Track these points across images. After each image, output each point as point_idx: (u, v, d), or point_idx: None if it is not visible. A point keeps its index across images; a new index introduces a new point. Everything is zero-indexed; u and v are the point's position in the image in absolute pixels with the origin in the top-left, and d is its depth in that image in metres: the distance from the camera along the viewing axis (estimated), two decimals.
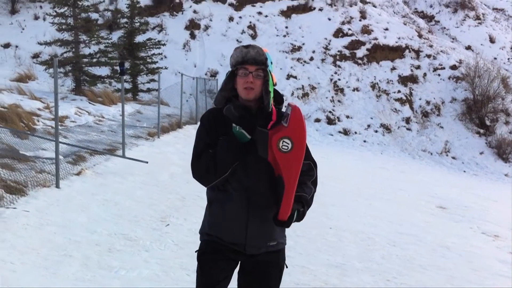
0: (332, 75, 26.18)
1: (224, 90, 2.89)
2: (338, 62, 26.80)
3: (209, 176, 2.76)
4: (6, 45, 25.74)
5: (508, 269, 7.27)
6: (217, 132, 2.80)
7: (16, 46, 25.75)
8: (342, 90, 25.66)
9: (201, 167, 2.77)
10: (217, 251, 2.89)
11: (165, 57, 24.93)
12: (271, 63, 2.86)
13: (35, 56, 24.80)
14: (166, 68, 23.31)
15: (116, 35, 24.46)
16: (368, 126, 24.15)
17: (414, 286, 5.84)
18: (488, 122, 24.65)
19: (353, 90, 25.72)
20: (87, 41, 19.15)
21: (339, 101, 25.19)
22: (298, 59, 26.60)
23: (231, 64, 2.86)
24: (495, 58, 29.23)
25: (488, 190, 16.90)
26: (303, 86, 25.36)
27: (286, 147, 2.59)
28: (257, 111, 2.83)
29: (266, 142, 2.66)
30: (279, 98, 2.93)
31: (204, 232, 2.95)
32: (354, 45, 27.41)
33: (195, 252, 2.99)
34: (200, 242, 2.99)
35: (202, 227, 2.98)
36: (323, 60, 26.88)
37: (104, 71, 20.40)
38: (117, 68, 19.00)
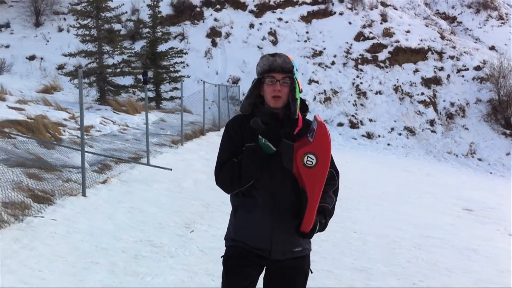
0: (354, 79, 26.09)
1: (250, 98, 2.91)
2: (360, 66, 26.71)
3: (232, 186, 2.81)
4: (32, 57, 26.25)
5: None
6: (242, 140, 2.83)
7: (41, 58, 26.23)
8: (364, 94, 25.55)
9: (225, 176, 2.81)
10: (242, 257, 2.90)
11: (187, 65, 25.16)
12: (297, 70, 2.87)
13: (60, 67, 25.24)
14: (188, 76, 23.51)
15: (138, 45, 24.80)
16: (392, 129, 23.98)
17: None
18: None
19: (376, 93, 25.59)
20: (110, 52, 19.42)
21: (361, 104, 25.07)
22: (320, 64, 26.58)
23: (258, 72, 2.88)
24: None
25: None
26: (325, 90, 25.32)
27: (311, 163, 2.63)
28: (284, 118, 2.85)
29: (292, 155, 2.69)
30: (303, 105, 2.95)
31: (230, 238, 2.98)
32: (376, 48, 27.30)
33: (221, 257, 3.03)
34: (225, 248, 3.02)
35: (228, 233, 3.02)
36: (344, 64, 26.81)
37: (127, 80, 20.67)
38: (141, 77, 19.22)
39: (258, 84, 2.89)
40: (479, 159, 22.63)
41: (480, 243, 8.39)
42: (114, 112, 16.74)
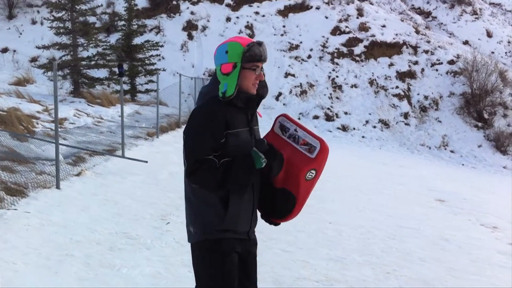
0: (330, 73, 26.22)
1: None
2: (336, 60, 26.85)
3: (217, 188, 2.78)
4: (4, 50, 25.80)
5: (507, 259, 7.32)
6: (222, 133, 2.78)
7: (14, 51, 25.81)
8: (340, 87, 25.71)
9: (208, 178, 2.74)
10: (231, 249, 2.91)
11: (163, 58, 24.99)
12: None
13: (33, 60, 24.85)
14: (164, 69, 23.36)
15: (114, 38, 24.53)
16: (367, 122, 24.20)
17: (414, 278, 5.89)
18: (486, 116, 24.70)
19: (351, 86, 25.77)
20: (85, 44, 19.21)
21: (337, 98, 25.23)
22: (296, 57, 26.64)
23: (245, 59, 2.79)
24: (493, 52, 29.27)
25: (486, 183, 16.97)
26: (301, 84, 25.40)
27: (311, 176, 2.94)
28: (258, 101, 2.96)
29: (282, 166, 2.91)
30: None
31: (219, 229, 2.87)
32: (352, 42, 27.45)
33: (205, 249, 2.92)
34: (209, 240, 2.90)
35: (210, 225, 2.88)
36: (321, 58, 26.92)
37: (102, 73, 20.46)
38: (115, 70, 19.06)
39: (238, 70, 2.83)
40: (452, 151, 22.99)
41: (452, 233, 8.54)
42: (88, 104, 16.56)
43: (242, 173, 2.77)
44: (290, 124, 3.04)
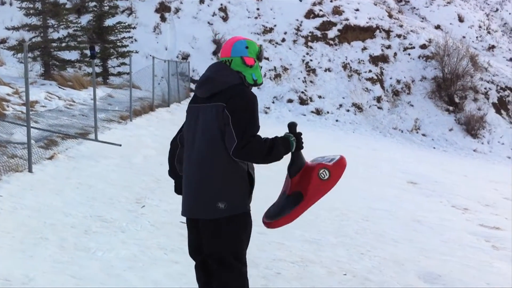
0: (304, 56, 26.26)
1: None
2: (309, 43, 26.88)
3: (262, 159, 3.06)
4: None
5: (477, 240, 7.50)
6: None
7: None
8: (314, 71, 25.78)
9: (260, 150, 3.02)
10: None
11: (136, 40, 24.67)
12: None
13: (2, 41, 24.29)
14: (137, 51, 23.03)
15: (85, 19, 24.06)
16: (340, 105, 24.36)
17: (387, 259, 5.99)
18: (457, 100, 25.10)
19: (325, 70, 25.87)
20: (55, 26, 18.84)
21: (311, 81, 25.31)
22: (270, 41, 26.59)
23: (260, 58, 3.29)
24: (464, 37, 29.65)
25: (457, 166, 17.30)
26: (275, 67, 25.39)
27: (323, 176, 3.08)
28: None
29: (301, 168, 3.16)
30: None
31: (248, 203, 3.19)
32: (326, 26, 27.50)
33: (242, 222, 3.18)
34: (243, 214, 3.16)
35: (245, 199, 3.16)
36: (294, 41, 26.92)
37: (73, 55, 20.13)
38: (87, 52, 18.77)
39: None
40: (423, 135, 23.34)
41: (424, 214, 8.71)
42: (59, 87, 16.28)
43: (284, 150, 3.09)
44: (336, 157, 3.36)
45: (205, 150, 3.11)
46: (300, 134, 3.18)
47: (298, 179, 3.11)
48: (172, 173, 3.57)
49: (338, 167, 3.16)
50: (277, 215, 3.16)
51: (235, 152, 2.99)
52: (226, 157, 3.05)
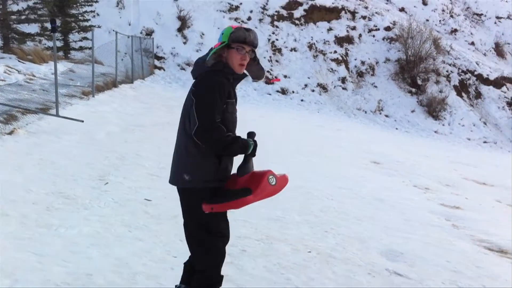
0: (270, 35, 26.15)
1: (218, 56, 3.32)
2: (275, 23, 26.77)
3: (220, 152, 3.28)
4: None
5: (438, 219, 7.66)
6: (225, 101, 3.29)
7: None
8: (280, 50, 25.73)
9: (220, 144, 3.22)
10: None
11: (98, 15, 24.08)
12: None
13: None
14: (99, 26, 22.52)
15: None
16: (305, 85, 24.43)
17: (351, 236, 6.07)
18: (419, 82, 25.49)
19: (291, 50, 25.85)
20: None
21: (277, 61, 25.26)
22: (236, 19, 26.34)
23: (230, 39, 3.28)
24: (427, 20, 30.06)
25: (419, 146, 17.63)
26: None
27: (271, 181, 3.35)
28: (240, 79, 3.46)
29: (249, 172, 3.39)
30: None
31: (215, 179, 3.32)
32: (292, 5, 27.40)
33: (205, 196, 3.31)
34: (206, 188, 3.30)
35: (210, 175, 3.30)
36: (260, 20, 26.75)
37: (33, 28, 19.53)
38: (47, 25, 18.23)
39: (224, 48, 3.32)
40: (386, 116, 23.66)
41: (387, 193, 8.84)
42: (19, 61, 15.80)
43: (240, 150, 3.31)
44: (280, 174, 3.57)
45: (181, 127, 3.37)
46: (256, 143, 3.42)
47: (247, 178, 3.35)
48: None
49: (283, 179, 3.50)
50: (224, 200, 3.31)
51: (196, 133, 3.19)
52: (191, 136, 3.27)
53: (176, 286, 3.54)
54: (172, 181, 3.43)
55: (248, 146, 3.33)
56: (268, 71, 24.39)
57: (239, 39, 3.28)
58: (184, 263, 3.55)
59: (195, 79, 3.38)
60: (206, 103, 3.20)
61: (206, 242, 3.34)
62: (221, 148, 3.22)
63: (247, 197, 3.28)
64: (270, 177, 3.36)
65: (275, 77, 24.09)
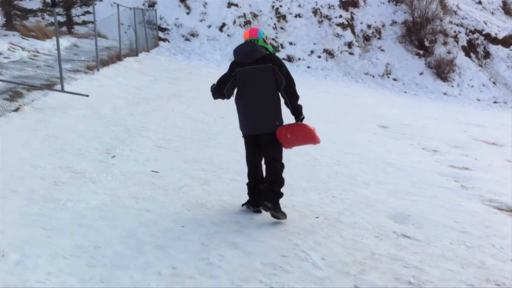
0: (273, 2, 25.80)
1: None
2: None
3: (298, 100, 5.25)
4: None
5: (446, 180, 7.64)
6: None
7: None
8: (284, 17, 25.41)
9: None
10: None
11: None
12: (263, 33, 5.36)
13: None
14: (101, 0, 22.33)
15: None
16: (311, 52, 24.19)
17: (359, 201, 6.07)
18: (427, 44, 25.14)
19: (295, 16, 25.52)
20: None
21: (281, 28, 24.98)
22: None
23: (266, 37, 5.39)
24: None
25: (427, 109, 17.49)
26: (244, 14, 24.92)
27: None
28: None
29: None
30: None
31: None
32: None
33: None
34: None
35: (282, 119, 5.19)
36: None
37: (35, 4, 19.39)
38: (49, 0, 18.07)
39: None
40: (394, 79, 23.44)
41: (394, 157, 8.81)
42: (22, 38, 15.73)
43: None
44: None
45: (265, 91, 5.01)
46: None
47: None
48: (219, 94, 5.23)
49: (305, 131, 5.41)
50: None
51: (286, 88, 5.03)
52: (277, 94, 5.06)
53: (258, 208, 5.23)
54: (259, 129, 5.05)
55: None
56: (273, 39, 24.15)
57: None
58: (249, 189, 5.31)
59: (257, 59, 4.97)
60: (286, 68, 5.08)
61: (282, 164, 5.19)
62: (295, 94, 5.11)
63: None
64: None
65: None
